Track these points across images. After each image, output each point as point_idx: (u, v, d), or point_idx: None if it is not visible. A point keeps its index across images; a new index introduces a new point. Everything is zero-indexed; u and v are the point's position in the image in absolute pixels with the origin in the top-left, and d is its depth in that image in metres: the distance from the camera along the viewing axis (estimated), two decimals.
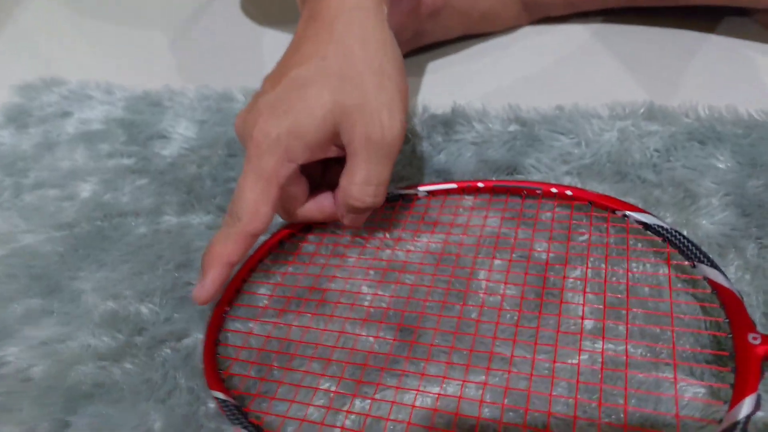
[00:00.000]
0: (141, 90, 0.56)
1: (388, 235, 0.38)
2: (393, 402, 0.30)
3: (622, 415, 0.27)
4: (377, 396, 0.30)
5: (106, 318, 0.37)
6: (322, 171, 0.37)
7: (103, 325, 0.36)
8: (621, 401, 0.28)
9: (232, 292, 0.36)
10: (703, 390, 0.28)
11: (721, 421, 0.25)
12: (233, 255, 0.33)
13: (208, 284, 0.32)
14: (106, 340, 0.35)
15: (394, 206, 0.40)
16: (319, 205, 0.37)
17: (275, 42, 0.62)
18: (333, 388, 0.31)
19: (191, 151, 0.49)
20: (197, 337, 0.35)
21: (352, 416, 0.30)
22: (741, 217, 0.35)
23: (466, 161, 0.42)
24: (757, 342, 0.26)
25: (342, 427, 0.29)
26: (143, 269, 0.39)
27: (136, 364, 0.34)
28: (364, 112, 0.31)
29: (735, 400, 0.25)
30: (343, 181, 0.33)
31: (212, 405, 0.31)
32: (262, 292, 0.37)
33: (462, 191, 0.39)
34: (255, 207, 0.32)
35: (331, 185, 0.36)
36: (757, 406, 0.24)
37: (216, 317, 0.35)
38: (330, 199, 0.37)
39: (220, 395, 0.30)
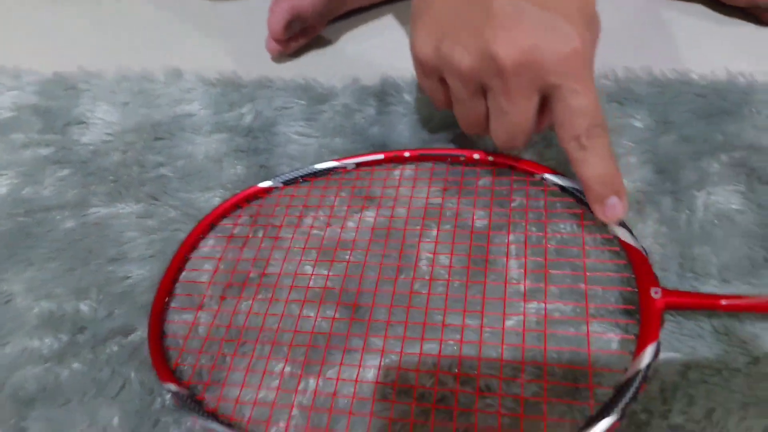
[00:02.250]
0: (52, 72, 0.53)
1: (321, 213, 0.39)
2: (337, 378, 0.32)
3: (541, 371, 0.30)
4: (326, 374, 0.32)
5: (43, 319, 0.36)
6: None
7: (41, 327, 0.36)
8: (541, 358, 0.30)
9: (170, 282, 0.36)
10: (614, 342, 0.31)
11: (626, 370, 0.28)
12: None
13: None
14: (48, 342, 0.35)
15: (325, 180, 0.41)
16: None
17: (194, 17, 0.60)
18: (281, 369, 0.32)
19: (114, 137, 0.47)
20: (144, 332, 0.35)
21: (304, 395, 0.31)
22: (656, 173, 0.38)
23: (399, 133, 0.43)
24: (658, 296, 0.29)
25: (292, 406, 0.31)
26: (74, 265, 0.39)
27: (82, 362, 0.34)
28: None
29: (639, 350, 0.28)
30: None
31: (168, 397, 0.32)
32: (203, 279, 0.37)
33: (389, 161, 0.41)
34: None
35: None
36: (657, 354, 0.27)
37: (156, 310, 0.35)
38: None
39: (173, 387, 0.31)
